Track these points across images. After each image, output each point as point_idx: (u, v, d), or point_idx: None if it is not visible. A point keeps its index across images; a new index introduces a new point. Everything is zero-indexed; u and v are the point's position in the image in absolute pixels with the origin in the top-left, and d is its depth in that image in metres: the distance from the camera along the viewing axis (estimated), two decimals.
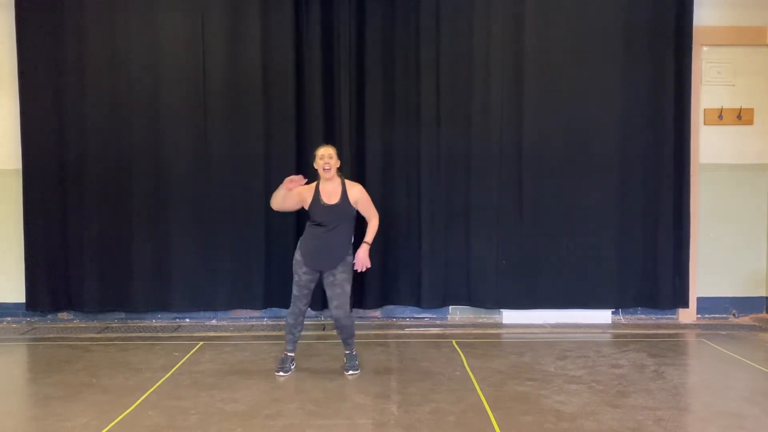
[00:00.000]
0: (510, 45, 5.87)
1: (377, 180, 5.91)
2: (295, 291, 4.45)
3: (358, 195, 4.42)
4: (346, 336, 4.52)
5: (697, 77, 5.97)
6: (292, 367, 4.56)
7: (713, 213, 6.13)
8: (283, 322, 5.94)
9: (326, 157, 4.35)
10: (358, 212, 4.47)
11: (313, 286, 4.46)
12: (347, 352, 4.58)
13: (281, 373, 4.47)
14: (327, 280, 4.39)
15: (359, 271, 4.45)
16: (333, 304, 4.38)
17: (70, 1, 5.82)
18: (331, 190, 4.39)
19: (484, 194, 5.92)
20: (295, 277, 4.43)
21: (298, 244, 4.48)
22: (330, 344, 5.16)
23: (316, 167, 4.42)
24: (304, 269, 4.39)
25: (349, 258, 4.41)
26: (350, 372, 4.49)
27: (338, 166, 4.45)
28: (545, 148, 5.87)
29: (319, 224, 4.36)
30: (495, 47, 5.86)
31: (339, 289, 4.36)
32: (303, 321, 4.54)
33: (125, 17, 5.82)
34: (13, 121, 5.95)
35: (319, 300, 5.49)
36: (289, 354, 4.56)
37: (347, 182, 4.47)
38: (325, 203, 4.36)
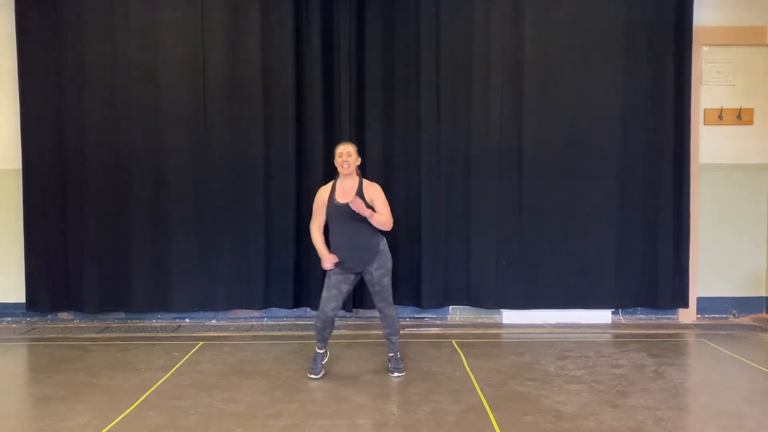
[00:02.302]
0: (510, 45, 5.87)
1: (377, 179, 5.86)
2: (324, 293, 4.33)
3: (375, 194, 4.32)
4: (390, 331, 4.44)
5: (697, 77, 5.97)
6: (323, 362, 4.48)
7: (713, 213, 6.13)
8: (283, 322, 6.02)
9: (344, 154, 4.28)
10: None
11: (344, 288, 4.33)
12: (391, 354, 4.52)
13: (312, 376, 4.39)
14: (366, 278, 4.35)
15: (350, 204, 4.12)
16: (375, 299, 4.39)
17: (70, 1, 5.82)
18: (347, 189, 4.31)
19: (484, 194, 5.92)
20: (327, 280, 4.34)
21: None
22: (330, 344, 5.16)
23: (335, 164, 4.36)
24: (336, 270, 4.31)
25: (383, 247, 4.32)
26: (396, 374, 4.42)
27: (358, 163, 4.38)
28: (545, 148, 5.87)
29: (337, 225, 4.28)
30: (495, 47, 5.86)
31: (378, 286, 4.33)
32: (333, 326, 4.41)
33: (125, 17, 5.82)
34: (13, 121, 5.95)
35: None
36: (319, 351, 4.46)
37: (365, 181, 4.39)
38: (338, 202, 4.28)
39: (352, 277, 4.35)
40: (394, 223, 5.92)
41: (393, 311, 4.45)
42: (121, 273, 5.91)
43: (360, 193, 4.28)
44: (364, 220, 4.23)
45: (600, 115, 5.88)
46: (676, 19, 5.85)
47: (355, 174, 4.37)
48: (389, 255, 4.39)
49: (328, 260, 4.31)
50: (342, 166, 4.29)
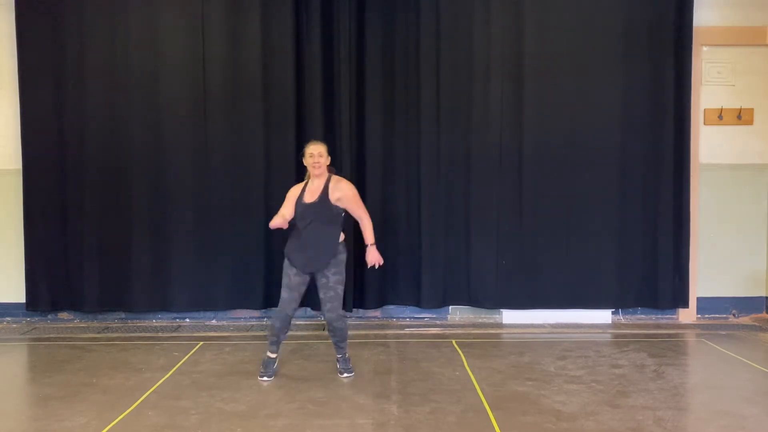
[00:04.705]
0: (510, 45, 5.87)
1: (377, 180, 5.93)
2: (284, 294, 4.29)
3: (341, 193, 4.26)
4: (339, 339, 4.39)
5: (697, 77, 5.97)
6: (275, 368, 4.42)
7: (713, 213, 6.13)
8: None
9: (316, 155, 4.23)
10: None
11: (303, 289, 4.31)
12: (339, 356, 4.47)
13: (265, 378, 4.34)
14: (320, 282, 4.27)
15: (377, 267, 4.41)
16: (326, 306, 4.27)
17: (70, 1, 5.82)
18: (314, 188, 4.27)
19: (484, 194, 5.92)
20: (285, 279, 4.29)
21: (285, 249, 4.34)
22: (330, 344, 5.16)
23: (305, 164, 4.35)
24: (294, 271, 4.27)
25: (341, 256, 4.28)
26: (345, 375, 4.41)
27: (329, 162, 4.33)
28: (545, 147, 5.87)
29: (302, 224, 4.24)
30: (495, 47, 5.86)
31: (332, 292, 4.25)
32: (289, 326, 4.38)
33: (125, 18, 5.82)
34: (13, 121, 5.95)
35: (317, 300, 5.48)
36: (271, 356, 4.39)
37: (333, 179, 4.30)
38: (304, 202, 4.25)
39: (308, 278, 4.30)
40: (394, 222, 5.96)
41: (344, 324, 4.35)
42: (121, 273, 5.91)
43: (325, 193, 4.23)
44: (329, 223, 4.24)
45: (600, 115, 5.88)
46: (676, 19, 5.85)
47: (325, 172, 4.32)
48: (344, 268, 4.35)
49: (279, 220, 4.17)
50: (314, 167, 4.26)
